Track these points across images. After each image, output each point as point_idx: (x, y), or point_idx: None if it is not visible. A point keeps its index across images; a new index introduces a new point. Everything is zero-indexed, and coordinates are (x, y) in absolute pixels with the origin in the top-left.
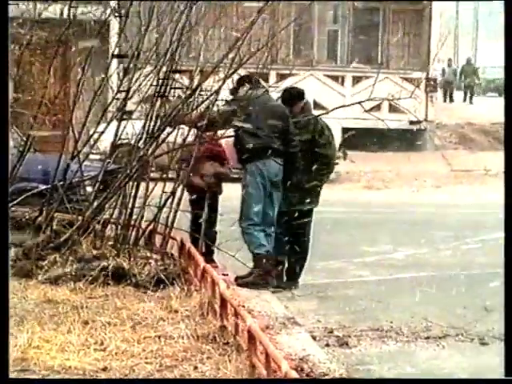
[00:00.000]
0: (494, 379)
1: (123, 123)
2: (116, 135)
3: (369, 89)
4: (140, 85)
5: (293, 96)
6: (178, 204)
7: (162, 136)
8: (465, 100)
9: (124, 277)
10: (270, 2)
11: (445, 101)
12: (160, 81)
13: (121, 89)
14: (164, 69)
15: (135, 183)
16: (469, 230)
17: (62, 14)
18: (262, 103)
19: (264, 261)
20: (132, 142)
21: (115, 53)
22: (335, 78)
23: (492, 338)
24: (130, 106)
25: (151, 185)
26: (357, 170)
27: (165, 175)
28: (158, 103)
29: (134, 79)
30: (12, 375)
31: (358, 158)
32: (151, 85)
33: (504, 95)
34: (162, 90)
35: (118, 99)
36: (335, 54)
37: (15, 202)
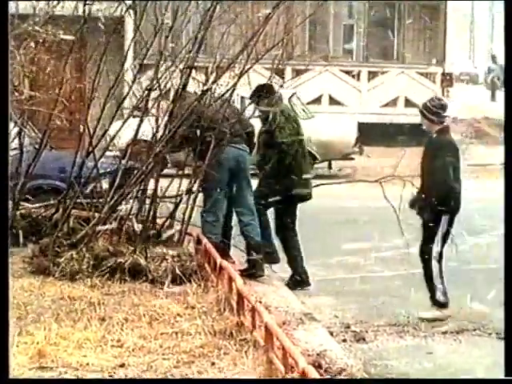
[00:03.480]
0: (494, 379)
1: (137, 120)
2: (133, 132)
3: (385, 84)
4: (157, 81)
5: (258, 92)
6: (195, 200)
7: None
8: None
9: (141, 273)
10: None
11: (493, 99)
12: (177, 77)
13: (133, 85)
14: (181, 66)
15: (153, 180)
16: (485, 225)
17: (76, 10)
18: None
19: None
20: (148, 138)
21: (131, 50)
22: (351, 74)
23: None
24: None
25: (167, 181)
26: (373, 166)
27: (181, 171)
28: (175, 100)
29: (150, 76)
30: (30, 373)
31: (374, 153)
32: (167, 81)
33: (504, 95)
34: (179, 87)
35: (136, 96)
36: (351, 50)
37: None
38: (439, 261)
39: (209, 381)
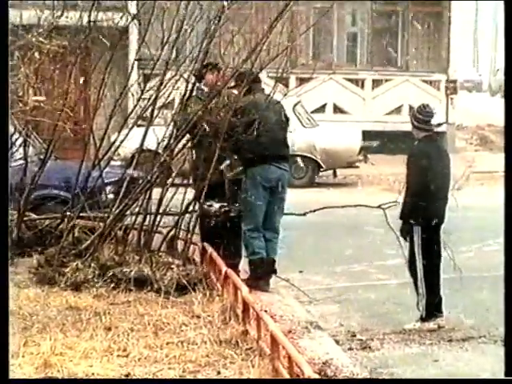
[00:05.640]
0: (494, 379)
1: (143, 129)
2: (139, 141)
3: (389, 91)
4: (161, 91)
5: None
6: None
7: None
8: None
9: (146, 283)
10: (289, 7)
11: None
12: (181, 87)
13: (142, 95)
14: (185, 75)
15: (159, 189)
16: (490, 232)
17: (81, 20)
18: (260, 106)
19: (256, 267)
20: (153, 148)
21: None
22: (355, 81)
23: None
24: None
25: (173, 190)
26: (377, 173)
27: (186, 181)
28: (179, 109)
29: (155, 85)
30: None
31: (378, 161)
32: (172, 90)
33: (504, 95)
34: (184, 96)
35: (140, 106)
36: (355, 57)
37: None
38: (426, 273)
39: (208, 381)
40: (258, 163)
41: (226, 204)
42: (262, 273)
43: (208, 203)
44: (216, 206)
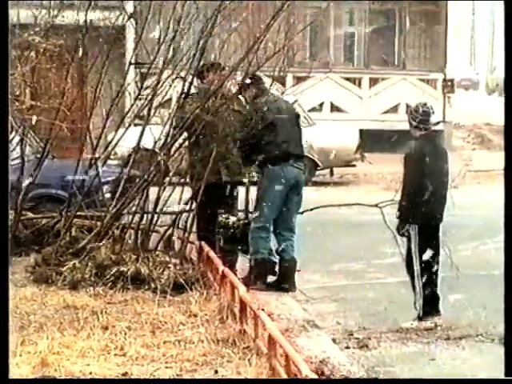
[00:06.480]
0: (494, 379)
1: (140, 129)
2: (136, 140)
3: (386, 90)
4: (158, 90)
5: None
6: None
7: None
8: None
9: (143, 282)
10: (286, 6)
11: None
12: (178, 86)
13: (139, 94)
14: (182, 74)
15: (156, 188)
16: (487, 230)
17: (77, 19)
18: (275, 106)
19: (257, 266)
20: (150, 147)
21: (132, 59)
22: (352, 80)
23: None
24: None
25: (170, 189)
26: (375, 172)
27: (183, 180)
28: (176, 108)
29: (152, 84)
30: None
31: (375, 160)
32: (170, 88)
33: (504, 95)
34: (181, 95)
35: (137, 105)
36: (352, 56)
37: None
38: (423, 272)
39: (208, 381)
40: (277, 163)
41: (244, 216)
42: (261, 273)
43: (224, 215)
44: (233, 218)
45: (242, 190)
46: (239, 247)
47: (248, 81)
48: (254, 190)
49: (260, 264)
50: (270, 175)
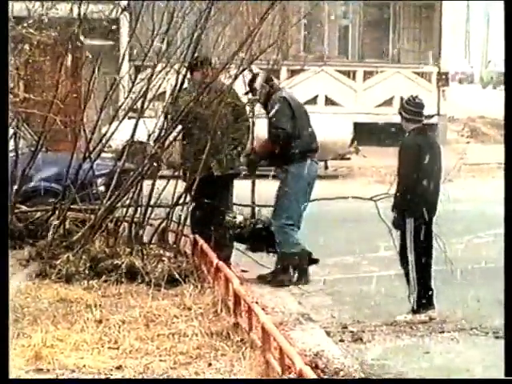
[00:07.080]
0: (494, 379)
1: (134, 122)
2: (130, 133)
3: (380, 83)
4: (152, 83)
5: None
6: (192, 201)
7: (174, 134)
8: None
9: (137, 275)
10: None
11: None
12: (172, 79)
13: (133, 87)
14: (176, 66)
15: (150, 181)
16: (481, 224)
17: (71, 12)
18: (296, 102)
19: (299, 258)
20: (144, 140)
21: (127, 52)
22: (347, 73)
23: None
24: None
25: (164, 182)
26: (369, 165)
27: (177, 173)
28: (170, 101)
29: (145, 77)
30: (27, 375)
31: (369, 153)
32: (163, 81)
33: (504, 95)
34: (175, 88)
35: (131, 98)
36: (346, 49)
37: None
38: (417, 265)
39: (208, 381)
40: (302, 159)
41: (251, 216)
42: (299, 265)
43: (231, 215)
44: (240, 217)
45: (236, 184)
46: (248, 246)
47: (259, 80)
48: (248, 185)
49: (300, 257)
50: (297, 171)
